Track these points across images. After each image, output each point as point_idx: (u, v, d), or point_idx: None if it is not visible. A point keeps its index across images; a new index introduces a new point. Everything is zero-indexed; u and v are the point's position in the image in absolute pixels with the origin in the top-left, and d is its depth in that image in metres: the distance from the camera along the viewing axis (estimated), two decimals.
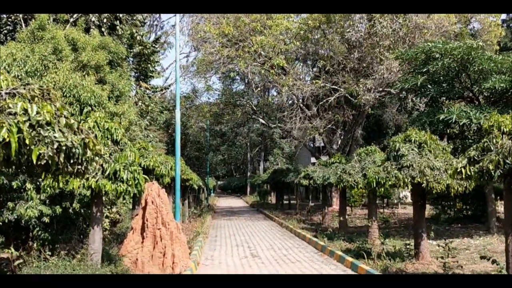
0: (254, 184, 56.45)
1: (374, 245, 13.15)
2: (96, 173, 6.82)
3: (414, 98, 21.18)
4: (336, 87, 23.42)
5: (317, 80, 22.79)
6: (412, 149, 11.26)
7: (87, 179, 6.64)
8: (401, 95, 21.45)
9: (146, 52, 27.18)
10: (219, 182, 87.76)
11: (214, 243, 16.33)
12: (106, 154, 6.93)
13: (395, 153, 11.37)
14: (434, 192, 10.89)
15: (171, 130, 39.64)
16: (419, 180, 10.69)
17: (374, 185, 11.40)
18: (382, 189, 12.26)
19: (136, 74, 27.96)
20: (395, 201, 24.41)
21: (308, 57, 27.16)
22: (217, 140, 62.51)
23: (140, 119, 13.42)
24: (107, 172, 6.81)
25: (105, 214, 16.17)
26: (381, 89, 21.92)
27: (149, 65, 28.06)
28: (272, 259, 12.47)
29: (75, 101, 8.99)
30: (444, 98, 16.09)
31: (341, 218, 17.32)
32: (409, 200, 32.15)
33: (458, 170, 7.98)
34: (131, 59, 27.04)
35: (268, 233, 19.54)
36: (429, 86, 15.81)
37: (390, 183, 11.06)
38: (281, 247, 14.99)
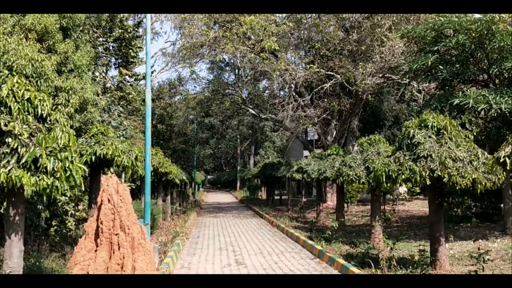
0: (244, 179, 54.65)
1: (379, 249, 11.24)
2: (8, 161, 4.80)
3: (419, 84, 19.25)
4: (331, 73, 21.43)
5: (311, 65, 20.75)
6: (430, 136, 9.31)
7: None
8: (404, 81, 19.55)
9: (127, 36, 25.07)
10: (208, 177, 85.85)
11: (194, 246, 14.32)
12: (23, 134, 4.89)
13: (409, 141, 9.41)
14: (457, 188, 8.95)
15: (155, 121, 37.50)
16: (439, 173, 8.76)
17: (383, 180, 9.44)
18: (389, 184, 10.36)
19: (118, 60, 25.93)
20: (395, 197, 22.51)
21: (301, 43, 25.14)
22: (205, 133, 60.43)
23: (98, 99, 11.42)
24: (23, 159, 4.80)
25: (69, 212, 14.20)
26: (381, 75, 19.95)
27: (130, 50, 25.94)
28: (260, 268, 10.47)
29: (6, 70, 6.97)
30: (458, 80, 14.16)
31: (340, 219, 15.39)
32: (406, 195, 30.46)
33: (501, 160, 6.08)
34: (111, 43, 25.01)
35: (257, 233, 17.56)
36: (440, 67, 13.88)
37: (403, 177, 9.10)
38: (271, 251, 13.00)
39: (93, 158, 8.32)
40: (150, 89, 10.67)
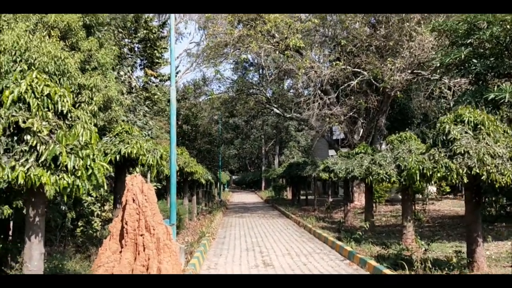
0: (269, 179, 54.36)
1: (412, 250, 10.81)
2: (27, 159, 4.59)
3: (451, 79, 18.63)
4: (358, 70, 20.94)
5: (337, 62, 20.29)
6: (466, 132, 8.86)
7: (13, 168, 4.43)
8: (435, 76, 18.93)
9: (152, 37, 25.09)
10: (233, 177, 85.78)
11: (221, 246, 14.07)
12: (42, 131, 4.68)
13: (444, 137, 8.97)
14: (497, 186, 8.49)
15: (180, 122, 37.46)
16: (477, 171, 8.32)
17: (417, 178, 9.02)
18: (422, 183, 9.92)
19: (143, 61, 25.98)
20: (425, 196, 21.87)
21: (326, 41, 24.68)
22: (230, 133, 60.27)
23: (123, 98, 11.23)
24: (43, 158, 4.59)
25: (95, 213, 14.12)
26: (410, 71, 19.36)
27: (155, 51, 25.96)
28: (289, 270, 10.14)
29: (27, 67, 6.80)
30: (492, 74, 13.59)
31: (370, 219, 14.95)
32: (436, 195, 29.69)
33: None
34: (136, 44, 25.04)
35: (284, 234, 17.23)
36: (473, 61, 13.33)
37: (438, 175, 8.67)
38: (299, 252, 12.66)
39: (118, 157, 8.14)
40: (174, 87, 10.45)
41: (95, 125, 8.42)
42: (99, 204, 13.73)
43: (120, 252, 7.62)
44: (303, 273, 9.73)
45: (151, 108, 23.30)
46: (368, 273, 9.65)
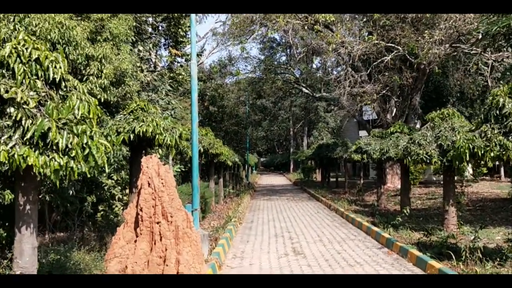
0: (297, 161, 53.38)
1: (458, 238, 9.84)
2: (10, 136, 3.82)
3: (494, 52, 17.26)
4: (392, 45, 19.67)
5: (370, 36, 19.06)
6: None
7: None
8: (475, 50, 17.61)
9: (175, 15, 24.26)
10: (261, 159, 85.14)
11: (248, 232, 13.31)
12: (29, 102, 3.89)
13: (497, 112, 7.90)
14: None
15: (206, 103, 36.74)
16: None
17: (467, 158, 8.01)
18: (469, 163, 8.90)
19: (168, 41, 25.23)
20: (464, 177, 20.60)
21: (357, 15, 23.39)
22: (258, 115, 59.34)
23: (142, 75, 10.43)
24: (29, 134, 3.82)
25: (117, 196, 13.50)
26: (448, 45, 18.01)
27: (179, 29, 25.13)
28: (322, 259, 9.28)
29: (20, 27, 5.98)
30: None
31: (407, 203, 13.93)
32: (472, 176, 28.31)
33: None
34: (160, 23, 24.28)
35: (315, 218, 16.36)
36: None
37: (492, 154, 7.65)
38: (332, 238, 11.78)
39: (132, 136, 7.35)
40: (195, 59, 9.60)
41: (106, 101, 7.65)
42: (119, 187, 13.10)
43: (135, 241, 6.89)
44: (338, 264, 8.86)
45: (176, 89, 22.64)
46: (410, 263, 8.71)
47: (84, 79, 7.49)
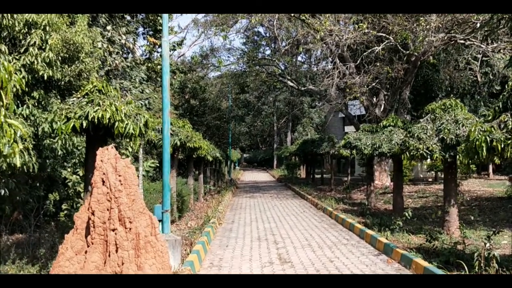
0: (281, 157, 52.30)
1: (466, 244, 8.69)
2: None
3: (495, 41, 16.22)
4: (383, 35, 18.52)
5: (361, 24, 17.83)
6: None
7: None
8: (471, 41, 16.58)
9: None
10: (244, 155, 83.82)
11: (228, 234, 12.03)
12: None
13: None
14: None
15: (188, 96, 35.28)
16: None
17: (483, 153, 6.84)
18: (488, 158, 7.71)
19: (146, 30, 23.86)
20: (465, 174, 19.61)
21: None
22: (241, 109, 57.95)
23: (111, 59, 9.10)
24: None
25: (82, 194, 12.17)
26: (444, 32, 16.90)
27: (158, 17, 23.76)
28: (312, 269, 8.01)
29: None
30: None
31: (400, 202, 12.75)
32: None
33: None
34: None
35: (301, 218, 15.15)
36: None
37: None
38: (321, 243, 10.54)
39: (85, 123, 6.01)
40: (167, 37, 8.30)
41: (52, 79, 6.32)
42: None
43: (86, 252, 5.59)
44: (330, 274, 7.64)
45: (155, 80, 21.34)
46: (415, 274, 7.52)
47: (23, 50, 6.14)
